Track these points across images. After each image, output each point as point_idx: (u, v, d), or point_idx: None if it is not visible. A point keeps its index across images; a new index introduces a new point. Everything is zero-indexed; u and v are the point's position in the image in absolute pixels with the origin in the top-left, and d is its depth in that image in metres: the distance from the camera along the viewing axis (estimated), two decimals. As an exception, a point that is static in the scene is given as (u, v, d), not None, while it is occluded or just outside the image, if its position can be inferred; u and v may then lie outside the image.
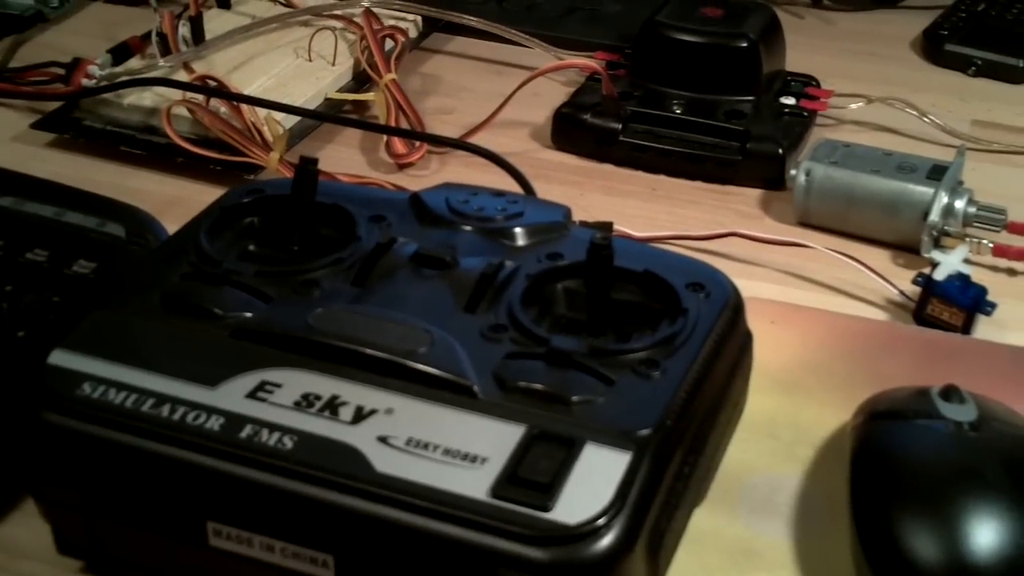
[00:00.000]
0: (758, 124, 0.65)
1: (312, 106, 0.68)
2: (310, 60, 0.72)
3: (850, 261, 0.56)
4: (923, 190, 0.58)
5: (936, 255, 0.54)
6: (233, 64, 0.70)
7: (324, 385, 0.38)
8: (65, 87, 0.70)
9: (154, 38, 0.69)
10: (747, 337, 0.44)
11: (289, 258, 0.45)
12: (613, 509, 0.35)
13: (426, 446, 0.36)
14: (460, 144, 0.65)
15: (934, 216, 0.57)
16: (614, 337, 0.42)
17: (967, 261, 0.54)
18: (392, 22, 0.75)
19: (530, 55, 0.74)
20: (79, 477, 0.38)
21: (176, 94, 0.65)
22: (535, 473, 0.35)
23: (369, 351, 0.39)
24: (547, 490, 0.35)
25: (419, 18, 0.77)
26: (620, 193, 0.64)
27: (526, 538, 0.34)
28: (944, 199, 0.57)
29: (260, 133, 0.63)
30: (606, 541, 0.34)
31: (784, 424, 0.47)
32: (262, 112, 0.64)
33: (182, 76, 0.68)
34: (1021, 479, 0.40)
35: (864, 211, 0.59)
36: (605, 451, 0.36)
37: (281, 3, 0.78)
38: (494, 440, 0.36)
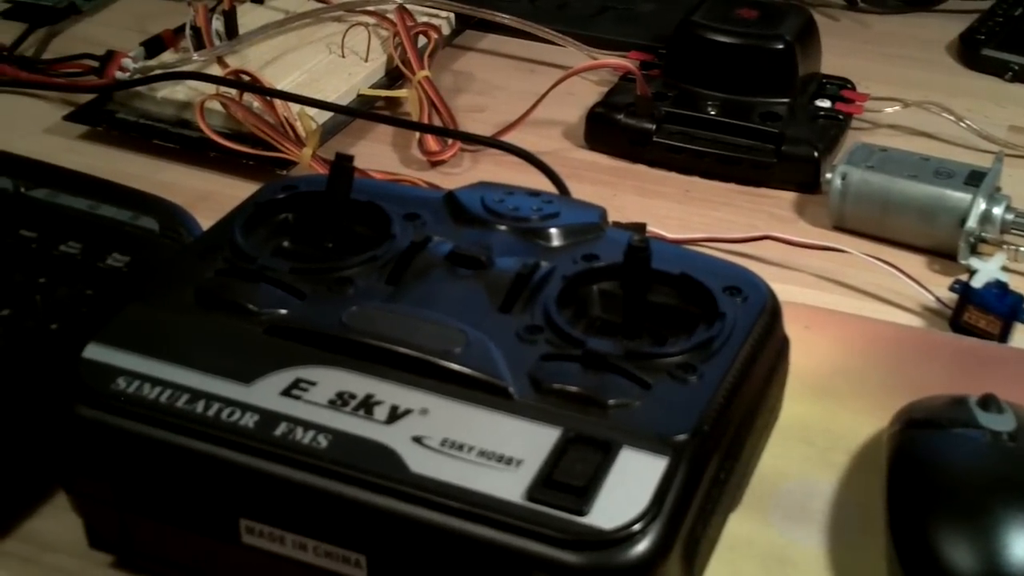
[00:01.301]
0: (793, 127, 0.65)
1: (345, 102, 0.68)
2: (343, 56, 0.71)
3: (885, 266, 0.56)
4: (961, 196, 0.57)
5: (973, 262, 0.54)
6: (266, 59, 0.70)
7: (359, 384, 0.38)
8: (98, 79, 0.70)
9: (188, 32, 0.69)
10: (784, 342, 0.44)
11: (323, 255, 0.45)
12: (649, 514, 0.34)
13: (461, 447, 0.36)
14: (494, 142, 0.65)
15: (971, 222, 0.56)
16: (650, 340, 0.42)
17: (1005, 268, 0.53)
18: (425, 19, 0.75)
19: (563, 54, 0.74)
20: (112, 471, 0.38)
21: (209, 88, 0.65)
22: (571, 476, 0.35)
23: (404, 350, 0.39)
24: (583, 494, 0.34)
25: (452, 15, 0.77)
26: (653, 194, 0.64)
27: (561, 542, 0.34)
28: (982, 205, 0.56)
29: (293, 128, 0.63)
30: (642, 547, 0.34)
31: (818, 430, 0.47)
32: (295, 107, 0.64)
33: (215, 70, 0.67)
34: (1061, 491, 0.40)
35: (900, 216, 0.58)
36: (641, 456, 0.36)
37: (314, -2, 0.78)
38: (529, 442, 0.36)
